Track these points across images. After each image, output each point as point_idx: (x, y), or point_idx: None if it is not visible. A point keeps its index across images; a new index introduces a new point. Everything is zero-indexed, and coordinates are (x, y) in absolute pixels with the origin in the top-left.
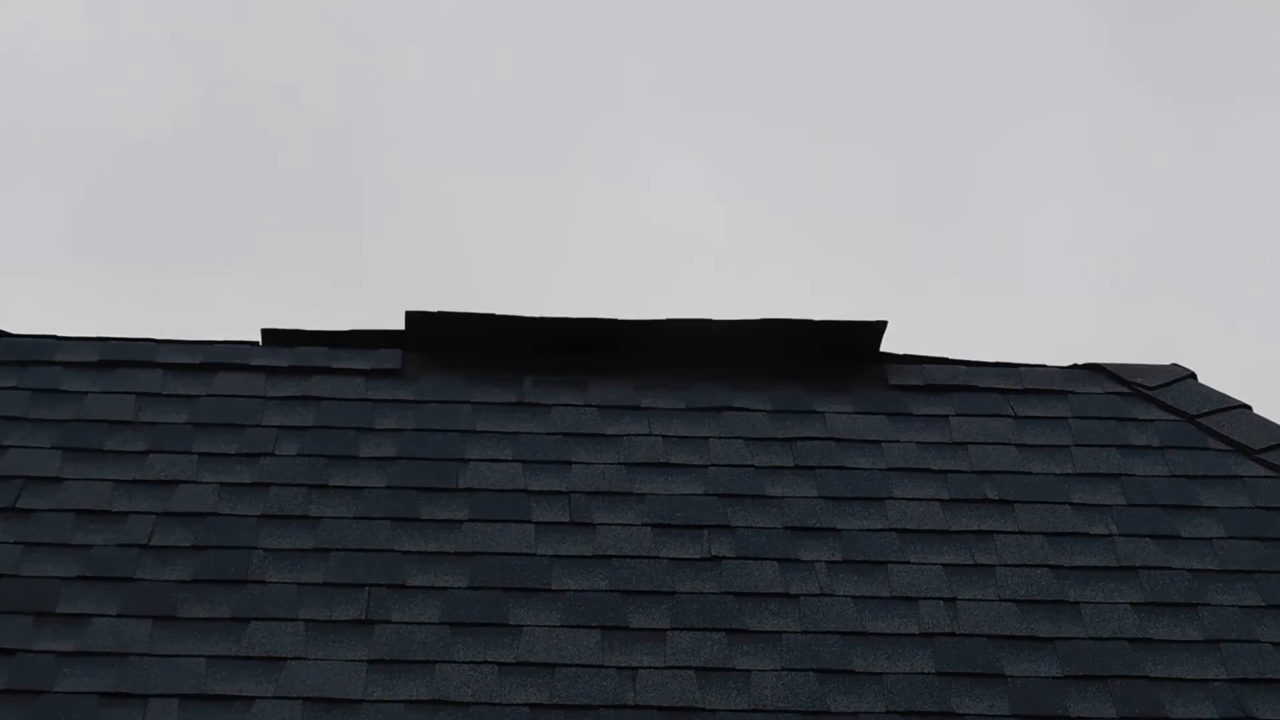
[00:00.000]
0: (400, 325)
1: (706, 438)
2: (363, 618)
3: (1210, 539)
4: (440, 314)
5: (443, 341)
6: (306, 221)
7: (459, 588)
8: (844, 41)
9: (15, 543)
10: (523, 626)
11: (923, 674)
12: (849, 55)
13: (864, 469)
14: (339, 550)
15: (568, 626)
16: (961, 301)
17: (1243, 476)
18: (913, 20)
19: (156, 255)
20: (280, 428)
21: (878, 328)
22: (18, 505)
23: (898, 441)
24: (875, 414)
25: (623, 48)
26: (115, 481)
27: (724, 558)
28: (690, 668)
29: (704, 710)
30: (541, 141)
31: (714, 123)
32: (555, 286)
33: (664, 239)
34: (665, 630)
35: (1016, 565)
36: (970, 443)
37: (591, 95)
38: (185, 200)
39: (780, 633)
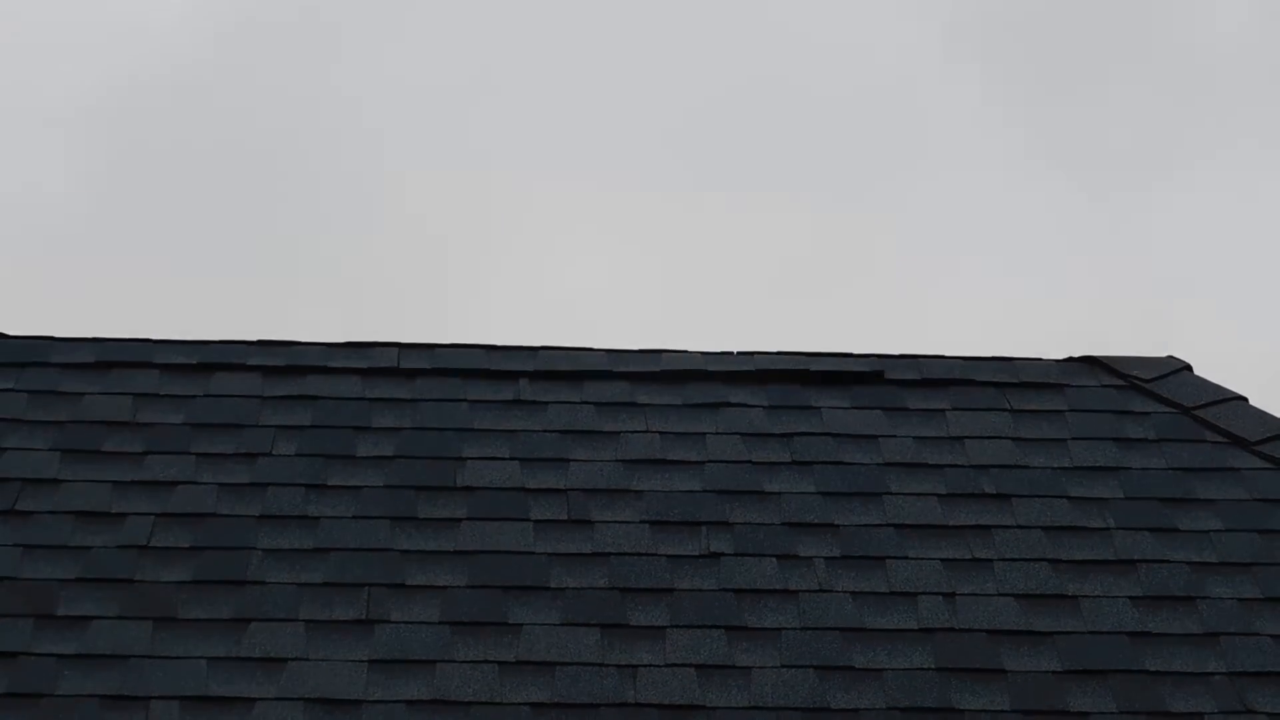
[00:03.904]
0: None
1: (704, 434)
2: (362, 618)
3: (1208, 532)
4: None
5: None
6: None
7: (458, 587)
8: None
9: (14, 545)
10: (522, 625)
11: (922, 670)
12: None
13: (862, 464)
14: (338, 550)
15: (567, 625)
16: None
17: (1240, 469)
18: (823, 90)
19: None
20: (278, 427)
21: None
22: (16, 507)
23: (895, 436)
24: (872, 409)
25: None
26: (114, 483)
27: (723, 554)
28: (690, 665)
29: (704, 708)
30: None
31: (625, 186)
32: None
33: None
34: (665, 628)
35: (1015, 560)
36: (967, 437)
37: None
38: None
39: (780, 629)
